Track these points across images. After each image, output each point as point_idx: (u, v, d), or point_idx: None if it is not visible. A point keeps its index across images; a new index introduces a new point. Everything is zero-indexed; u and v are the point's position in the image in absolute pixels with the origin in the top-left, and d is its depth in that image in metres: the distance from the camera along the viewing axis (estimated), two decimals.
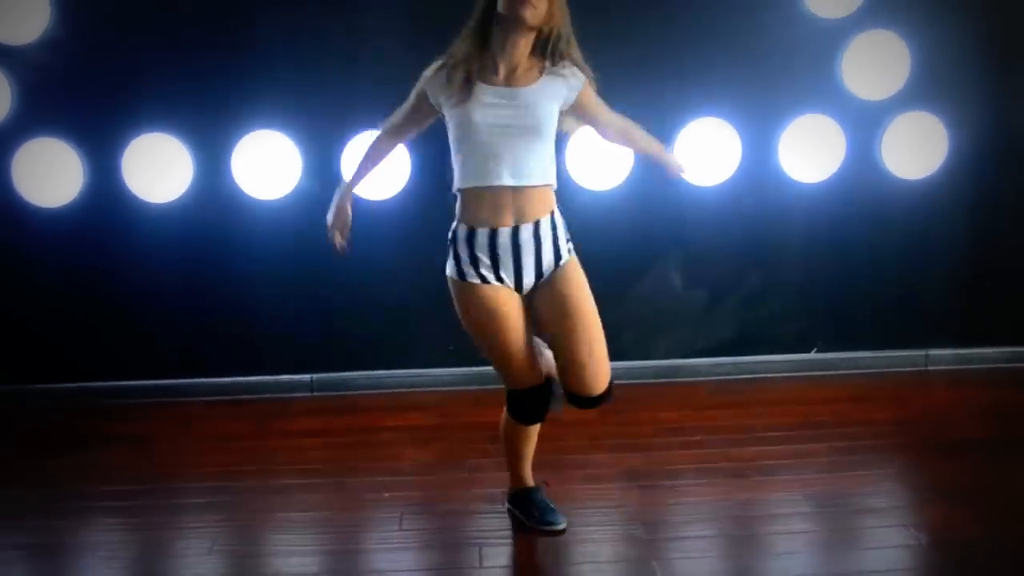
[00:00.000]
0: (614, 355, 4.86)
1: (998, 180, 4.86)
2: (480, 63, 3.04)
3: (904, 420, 4.38)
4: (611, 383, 3.25)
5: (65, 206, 4.63)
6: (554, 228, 3.13)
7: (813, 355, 4.98)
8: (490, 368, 3.36)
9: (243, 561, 3.11)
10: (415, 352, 4.84)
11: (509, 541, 3.42)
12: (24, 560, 3.38)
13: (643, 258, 4.84)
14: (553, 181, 3.14)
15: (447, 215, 4.72)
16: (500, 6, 2.97)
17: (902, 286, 4.93)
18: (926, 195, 4.83)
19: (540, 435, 3.41)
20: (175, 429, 4.46)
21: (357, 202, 4.62)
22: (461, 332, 4.88)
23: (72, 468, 4.05)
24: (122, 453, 4.21)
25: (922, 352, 5.00)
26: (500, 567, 3.27)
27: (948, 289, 4.96)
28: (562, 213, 3.19)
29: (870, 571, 3.04)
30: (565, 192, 4.65)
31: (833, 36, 4.65)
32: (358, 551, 3.36)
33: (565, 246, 3.16)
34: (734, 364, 4.95)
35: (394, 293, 4.77)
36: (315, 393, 4.83)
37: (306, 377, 4.86)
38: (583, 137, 4.63)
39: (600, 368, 3.19)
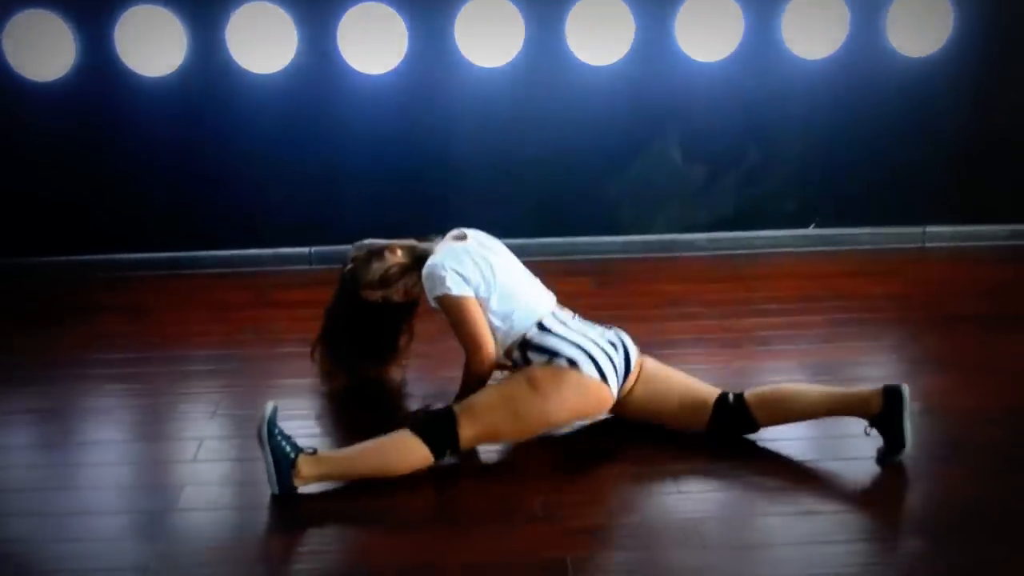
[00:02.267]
0: (613, 230, 4.91)
1: (1002, 56, 4.81)
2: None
3: (901, 295, 4.42)
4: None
5: (58, 79, 4.57)
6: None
7: (811, 231, 4.99)
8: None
9: (245, 424, 3.16)
10: (413, 224, 4.81)
11: None
12: (32, 423, 3.44)
13: (643, 133, 4.81)
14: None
15: (443, 89, 4.70)
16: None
17: (901, 162, 4.91)
18: (929, 72, 4.78)
19: None
20: (176, 300, 4.49)
21: (352, 75, 4.60)
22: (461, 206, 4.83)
23: (74, 337, 4.09)
24: (124, 323, 4.24)
25: (920, 229, 5.00)
26: None
27: (947, 166, 4.94)
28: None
29: (861, 436, 3.07)
30: (566, 67, 4.65)
31: None
32: (357, 414, 3.40)
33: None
34: (732, 239, 4.96)
35: (391, 166, 4.76)
36: (314, 266, 4.84)
37: (305, 250, 4.87)
38: (583, 11, 4.59)
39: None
